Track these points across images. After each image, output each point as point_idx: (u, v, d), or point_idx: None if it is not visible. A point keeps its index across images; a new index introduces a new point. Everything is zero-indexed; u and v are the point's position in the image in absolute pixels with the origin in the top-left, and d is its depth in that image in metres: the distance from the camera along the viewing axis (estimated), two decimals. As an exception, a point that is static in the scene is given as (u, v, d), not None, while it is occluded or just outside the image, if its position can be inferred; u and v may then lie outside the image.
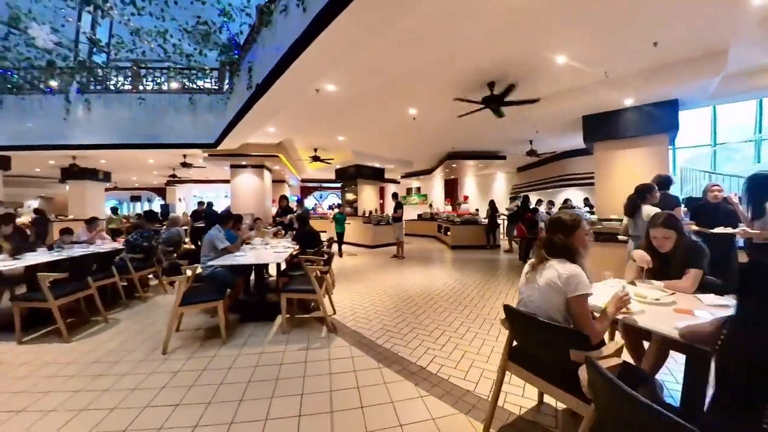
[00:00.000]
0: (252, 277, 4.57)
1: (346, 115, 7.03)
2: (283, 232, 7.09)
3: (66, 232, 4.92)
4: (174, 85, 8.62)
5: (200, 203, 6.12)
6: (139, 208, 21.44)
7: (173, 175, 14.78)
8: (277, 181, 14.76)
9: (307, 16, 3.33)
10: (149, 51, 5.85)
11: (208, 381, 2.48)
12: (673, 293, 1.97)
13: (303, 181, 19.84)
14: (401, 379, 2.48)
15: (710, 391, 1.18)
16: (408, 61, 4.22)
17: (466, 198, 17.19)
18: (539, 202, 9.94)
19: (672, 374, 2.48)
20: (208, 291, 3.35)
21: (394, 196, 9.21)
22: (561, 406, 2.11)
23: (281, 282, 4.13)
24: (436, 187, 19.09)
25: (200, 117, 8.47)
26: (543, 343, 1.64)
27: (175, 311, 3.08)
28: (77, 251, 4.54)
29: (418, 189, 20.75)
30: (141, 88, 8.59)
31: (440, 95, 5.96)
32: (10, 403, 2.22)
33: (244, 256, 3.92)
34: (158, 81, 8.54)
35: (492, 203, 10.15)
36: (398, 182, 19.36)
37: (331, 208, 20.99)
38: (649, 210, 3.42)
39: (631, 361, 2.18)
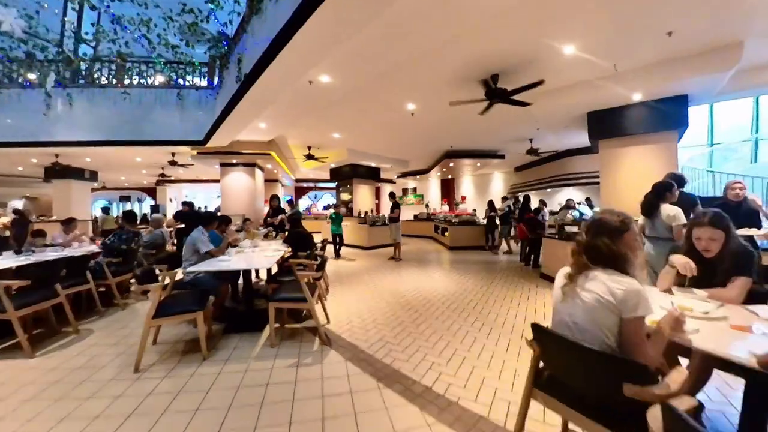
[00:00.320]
0: (240, 281, 4.24)
1: (341, 110, 6.73)
2: (274, 233, 6.77)
3: (38, 234, 4.55)
4: (160, 79, 8.24)
5: (184, 203, 5.73)
6: (129, 208, 20.88)
7: (162, 175, 14.32)
8: (270, 181, 14.39)
9: (298, -3, 3.04)
10: (132, 42, 5.46)
11: (183, 407, 2.15)
12: (721, 305, 1.70)
13: (297, 180, 19.49)
14: (404, 402, 2.17)
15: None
16: (406, 48, 3.89)
17: (464, 198, 16.99)
18: (541, 202, 9.70)
19: (724, 396, 2.20)
20: (188, 300, 3.00)
21: (391, 195, 8.87)
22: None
23: (270, 289, 3.80)
24: (432, 187, 18.88)
25: (188, 113, 8.11)
26: (586, 373, 1.35)
27: (148, 324, 2.74)
28: (49, 255, 4.17)
29: (414, 189, 20.51)
30: (126, 82, 8.20)
31: (440, 89, 5.67)
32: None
33: (229, 261, 3.58)
34: (144, 74, 8.15)
35: (491, 203, 9.93)
36: (394, 182, 19.13)
37: (326, 208, 20.66)
38: (668, 209, 3.17)
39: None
